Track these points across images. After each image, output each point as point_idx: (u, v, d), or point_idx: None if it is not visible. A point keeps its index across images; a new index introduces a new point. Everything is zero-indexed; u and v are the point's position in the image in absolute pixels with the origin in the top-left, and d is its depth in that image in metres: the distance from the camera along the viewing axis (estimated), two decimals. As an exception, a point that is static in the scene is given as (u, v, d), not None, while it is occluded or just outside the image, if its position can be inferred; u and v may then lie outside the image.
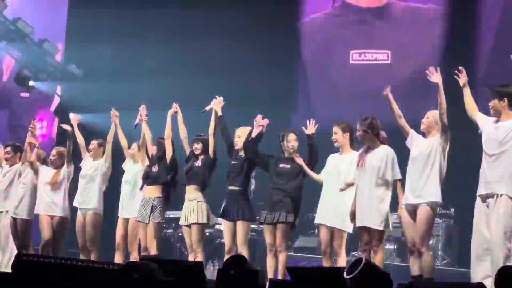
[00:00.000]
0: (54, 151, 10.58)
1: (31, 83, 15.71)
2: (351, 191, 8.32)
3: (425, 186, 7.62)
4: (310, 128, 8.77)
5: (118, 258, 9.82)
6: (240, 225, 8.87)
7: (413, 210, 7.71)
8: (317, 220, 8.68)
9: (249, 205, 8.95)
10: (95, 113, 14.48)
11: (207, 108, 9.56)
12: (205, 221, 9.24)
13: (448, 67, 7.94)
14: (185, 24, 15.23)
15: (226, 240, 9.04)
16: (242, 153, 9.11)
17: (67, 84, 16.12)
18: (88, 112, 14.60)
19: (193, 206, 9.25)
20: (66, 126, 10.50)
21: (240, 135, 9.14)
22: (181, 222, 9.43)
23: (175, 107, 9.82)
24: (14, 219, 10.50)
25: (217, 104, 9.48)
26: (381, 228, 7.93)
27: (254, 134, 8.95)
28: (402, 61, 14.36)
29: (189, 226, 9.29)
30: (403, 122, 7.96)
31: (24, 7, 16.20)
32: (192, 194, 9.32)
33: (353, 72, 14.78)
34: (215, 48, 14.66)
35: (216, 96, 9.60)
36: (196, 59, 14.91)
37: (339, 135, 8.54)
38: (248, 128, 9.13)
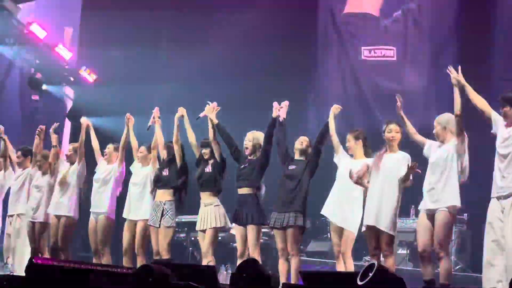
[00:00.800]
0: (70, 147, 10.60)
1: (44, 87, 15.77)
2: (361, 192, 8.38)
3: (443, 191, 7.56)
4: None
5: (126, 263, 9.81)
6: (251, 229, 8.85)
7: (431, 215, 7.66)
8: (323, 211, 8.75)
9: (259, 209, 8.91)
10: (107, 117, 14.53)
11: (201, 115, 9.54)
12: (222, 225, 9.24)
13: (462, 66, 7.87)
14: (198, 28, 15.25)
15: (238, 244, 9.03)
16: (251, 156, 9.10)
17: (80, 88, 16.15)
18: (100, 116, 14.64)
19: (210, 211, 9.23)
20: (85, 121, 10.50)
21: (251, 139, 9.13)
22: (198, 227, 9.39)
23: (181, 111, 9.79)
24: (33, 223, 10.52)
25: (210, 111, 9.46)
26: (387, 230, 7.91)
27: (282, 118, 8.96)
28: (409, 59, 14.32)
29: (204, 231, 9.28)
30: (418, 137, 7.96)
31: (37, 11, 16.24)
32: (208, 200, 9.31)
33: (364, 69, 14.77)
34: (227, 51, 14.65)
35: (209, 102, 9.57)
36: (208, 63, 14.91)
37: (351, 143, 8.58)
38: (260, 133, 9.13)
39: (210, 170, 9.36)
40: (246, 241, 8.90)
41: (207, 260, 9.11)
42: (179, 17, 15.31)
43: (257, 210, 8.88)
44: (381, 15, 14.70)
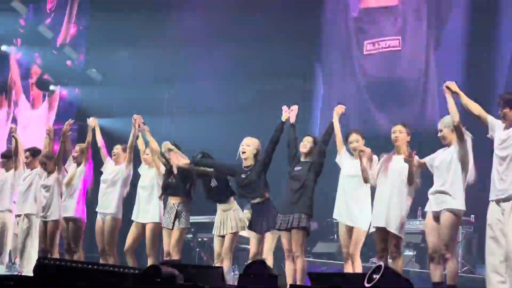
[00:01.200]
0: (77, 148, 10.56)
1: (52, 87, 15.84)
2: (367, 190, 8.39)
3: (447, 194, 7.56)
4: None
5: (130, 262, 9.81)
6: (269, 236, 8.85)
7: (437, 217, 7.66)
8: (334, 215, 8.76)
9: (276, 215, 8.89)
10: (115, 118, 14.56)
11: (176, 171, 9.48)
12: (242, 230, 9.25)
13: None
14: (204, 29, 15.26)
15: (252, 247, 8.96)
16: (248, 163, 9.04)
17: (87, 89, 16.20)
18: (108, 116, 14.67)
19: (229, 216, 9.20)
20: (92, 121, 10.48)
21: (250, 144, 9.06)
22: (217, 232, 9.29)
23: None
24: (44, 222, 10.53)
25: (179, 161, 9.45)
26: (396, 232, 7.91)
27: (292, 120, 8.94)
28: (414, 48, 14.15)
29: (223, 236, 9.25)
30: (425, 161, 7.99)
31: (45, 12, 16.31)
32: (225, 206, 9.25)
33: (368, 64, 14.69)
34: (234, 51, 14.66)
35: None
36: (215, 63, 14.93)
37: (360, 143, 8.57)
38: (256, 140, 9.10)
39: (216, 184, 9.30)
40: (260, 245, 8.90)
41: (223, 262, 9.08)
42: (186, 18, 15.34)
43: (273, 216, 8.83)
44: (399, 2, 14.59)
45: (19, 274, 9.90)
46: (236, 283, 6.76)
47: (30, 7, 15.96)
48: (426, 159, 7.90)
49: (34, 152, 11.00)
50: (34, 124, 16.67)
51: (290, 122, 8.95)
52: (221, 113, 14.31)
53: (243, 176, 8.98)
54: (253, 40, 14.53)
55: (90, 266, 6.60)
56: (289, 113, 8.98)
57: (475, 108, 7.50)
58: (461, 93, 7.58)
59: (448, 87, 7.62)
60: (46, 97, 16.40)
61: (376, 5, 14.77)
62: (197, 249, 13.02)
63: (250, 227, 9.00)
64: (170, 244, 9.45)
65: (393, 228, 7.91)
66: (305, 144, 8.77)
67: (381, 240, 8.04)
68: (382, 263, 6.06)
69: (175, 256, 9.36)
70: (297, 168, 8.72)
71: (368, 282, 5.67)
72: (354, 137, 8.63)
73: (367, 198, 8.44)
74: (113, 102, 15.12)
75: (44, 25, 15.57)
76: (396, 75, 14.11)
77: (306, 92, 15.06)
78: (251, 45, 14.46)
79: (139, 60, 15.65)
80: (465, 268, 11.25)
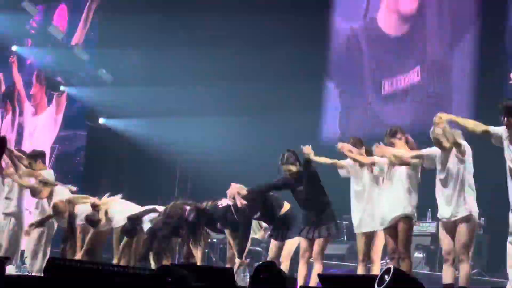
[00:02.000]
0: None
1: (62, 87, 15.88)
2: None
3: (460, 199, 7.52)
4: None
5: (153, 264, 9.88)
6: (290, 241, 8.92)
7: (450, 227, 7.61)
8: (356, 230, 8.61)
9: (298, 223, 8.89)
10: (124, 119, 14.59)
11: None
12: (261, 237, 9.32)
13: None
14: (213, 31, 15.29)
15: (271, 253, 9.03)
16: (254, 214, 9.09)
17: (97, 89, 16.24)
18: (117, 117, 14.70)
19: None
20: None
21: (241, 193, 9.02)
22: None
23: None
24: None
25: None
26: (403, 212, 7.91)
27: (242, 200, 8.89)
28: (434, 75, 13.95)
29: None
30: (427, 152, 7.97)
31: (55, 12, 16.36)
32: None
33: (385, 104, 14.56)
34: (243, 55, 14.67)
35: None
36: (224, 66, 14.94)
37: (355, 150, 8.49)
38: (236, 184, 9.06)
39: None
40: (279, 251, 8.94)
41: (237, 263, 9.13)
42: (194, 20, 15.36)
43: (295, 226, 8.87)
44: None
45: (29, 274, 9.93)
46: (246, 285, 6.77)
47: (41, 8, 15.99)
48: (434, 151, 7.84)
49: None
50: (41, 128, 16.70)
51: (243, 208, 8.89)
52: (227, 116, 14.31)
53: (256, 216, 9.11)
54: (266, 44, 14.57)
55: (101, 266, 6.60)
56: (233, 201, 8.95)
57: (474, 125, 7.42)
58: (455, 117, 7.53)
59: (441, 118, 7.52)
60: (54, 98, 16.41)
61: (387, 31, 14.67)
62: (206, 250, 13.01)
63: (271, 235, 9.07)
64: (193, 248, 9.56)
65: (399, 212, 7.91)
66: (289, 168, 8.72)
67: (391, 238, 8.02)
68: (391, 265, 6.05)
69: (198, 261, 9.43)
70: (299, 188, 8.71)
71: (379, 285, 5.66)
72: (340, 145, 8.59)
73: (379, 203, 8.40)
74: (123, 103, 15.13)
75: (54, 25, 15.59)
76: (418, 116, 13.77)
77: (316, 100, 15.06)
78: (260, 50, 14.50)
79: (149, 61, 15.68)
80: (475, 270, 11.23)
